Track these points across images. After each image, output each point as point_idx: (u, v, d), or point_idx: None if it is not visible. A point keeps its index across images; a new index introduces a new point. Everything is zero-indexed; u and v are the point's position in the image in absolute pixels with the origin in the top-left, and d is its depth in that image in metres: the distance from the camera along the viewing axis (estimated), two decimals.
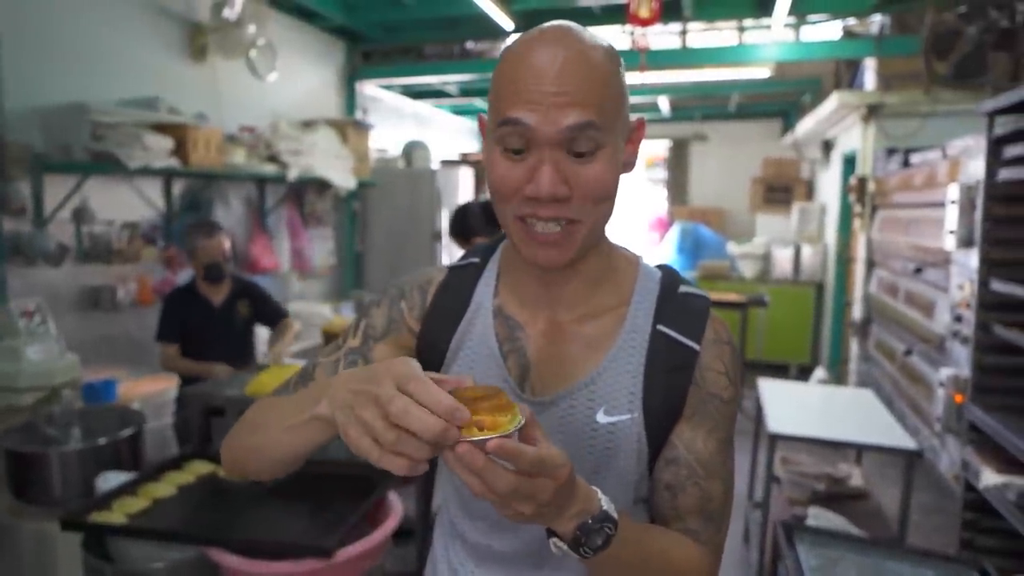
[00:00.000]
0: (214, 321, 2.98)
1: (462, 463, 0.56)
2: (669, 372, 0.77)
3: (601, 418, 0.76)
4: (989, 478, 2.14)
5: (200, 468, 2.02)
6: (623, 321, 0.79)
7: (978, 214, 2.47)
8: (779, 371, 6.00)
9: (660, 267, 0.86)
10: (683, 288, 0.83)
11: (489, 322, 0.82)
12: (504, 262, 0.85)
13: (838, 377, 5.34)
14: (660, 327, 0.79)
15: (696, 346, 0.78)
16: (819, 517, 2.53)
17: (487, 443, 0.55)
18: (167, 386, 2.62)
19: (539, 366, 0.79)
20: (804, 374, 5.87)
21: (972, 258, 2.49)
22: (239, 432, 0.81)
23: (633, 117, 0.77)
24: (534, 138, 0.68)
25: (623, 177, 0.75)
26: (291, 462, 0.74)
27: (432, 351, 0.83)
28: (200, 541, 1.67)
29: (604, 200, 0.72)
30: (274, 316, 3.16)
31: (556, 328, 0.80)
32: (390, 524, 1.80)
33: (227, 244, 2.97)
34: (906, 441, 2.38)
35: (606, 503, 0.64)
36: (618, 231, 8.30)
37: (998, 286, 2.23)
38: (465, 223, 2.80)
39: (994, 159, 2.29)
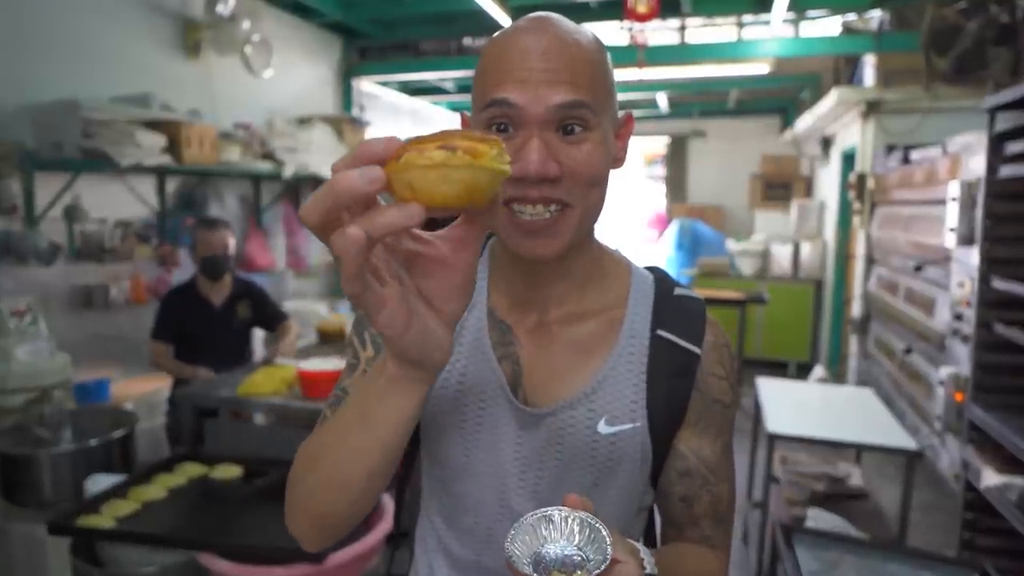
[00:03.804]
0: (213, 322, 2.92)
1: None
2: (671, 378, 0.75)
3: (603, 428, 0.73)
4: (989, 478, 2.12)
5: (191, 470, 1.99)
6: (619, 326, 0.77)
7: (979, 211, 2.44)
8: (778, 369, 5.98)
9: (651, 269, 0.84)
10: (678, 290, 0.80)
11: (483, 324, 0.78)
12: (493, 262, 0.82)
13: (837, 375, 5.32)
14: (660, 332, 0.76)
15: (698, 350, 0.76)
16: (818, 518, 2.51)
17: None
18: (160, 385, 2.60)
19: (532, 372, 0.76)
20: (803, 372, 5.86)
21: (973, 256, 2.47)
22: (295, 487, 0.68)
23: (621, 113, 0.74)
24: (521, 118, 0.65)
25: (613, 173, 0.72)
26: (379, 469, 0.60)
27: None
28: (190, 545, 1.65)
29: (595, 185, 0.68)
30: (274, 319, 3.12)
31: (545, 330, 0.77)
32: (383, 527, 1.78)
33: (230, 240, 2.92)
34: (906, 441, 2.36)
35: (649, 567, 0.60)
36: (616, 228, 8.29)
37: (999, 284, 2.21)
38: None
39: (995, 156, 2.27)
